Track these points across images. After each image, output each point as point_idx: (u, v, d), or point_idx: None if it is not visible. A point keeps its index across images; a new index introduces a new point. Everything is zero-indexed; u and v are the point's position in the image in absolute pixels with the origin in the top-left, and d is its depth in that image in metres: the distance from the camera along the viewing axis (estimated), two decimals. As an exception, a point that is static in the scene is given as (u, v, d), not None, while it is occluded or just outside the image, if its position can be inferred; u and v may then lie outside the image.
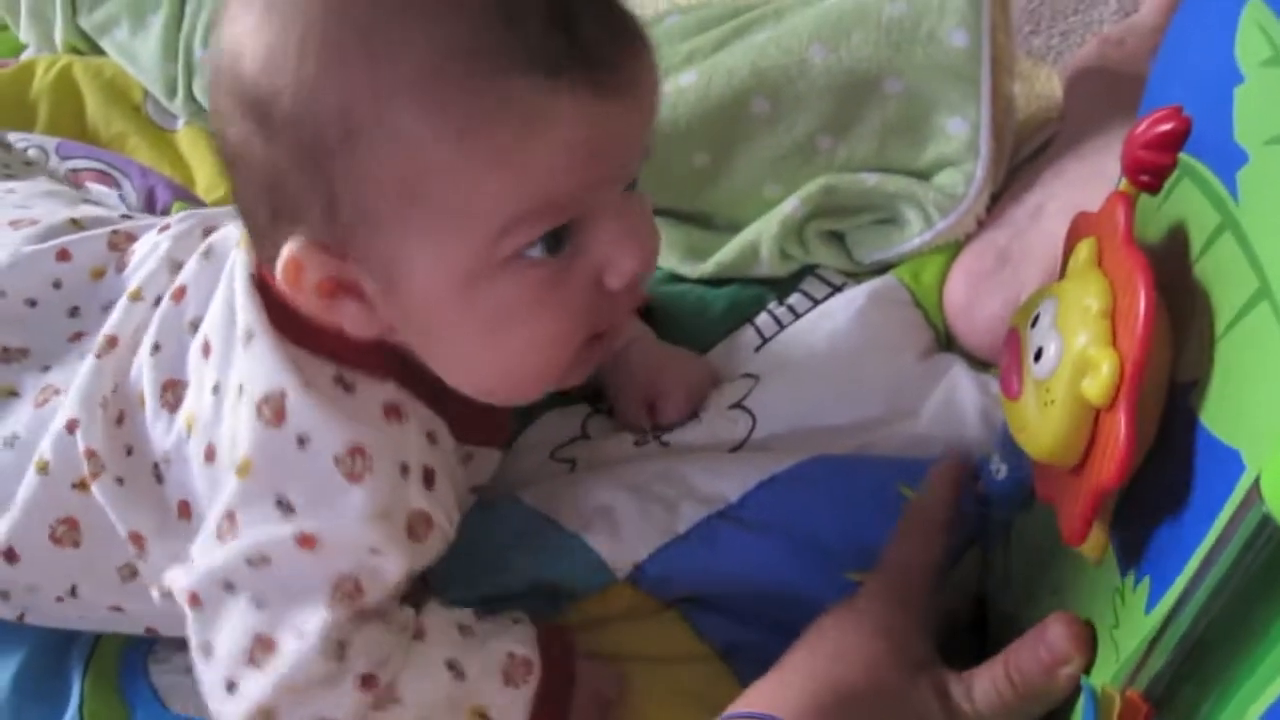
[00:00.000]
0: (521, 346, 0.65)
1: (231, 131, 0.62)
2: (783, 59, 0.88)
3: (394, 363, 0.67)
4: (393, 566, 0.65)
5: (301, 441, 0.64)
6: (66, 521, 0.70)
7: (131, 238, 0.82)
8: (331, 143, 0.58)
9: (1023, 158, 0.96)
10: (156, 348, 0.71)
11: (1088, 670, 0.53)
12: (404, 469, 0.66)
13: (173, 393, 0.70)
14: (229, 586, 0.65)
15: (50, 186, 0.93)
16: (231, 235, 0.74)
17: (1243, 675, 0.41)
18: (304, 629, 0.64)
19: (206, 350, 0.69)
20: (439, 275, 0.61)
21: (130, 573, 0.71)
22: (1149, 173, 0.49)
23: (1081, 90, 0.97)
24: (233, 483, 0.65)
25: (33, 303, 0.78)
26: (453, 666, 0.67)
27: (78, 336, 0.77)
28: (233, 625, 0.65)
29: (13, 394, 0.74)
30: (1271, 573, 0.38)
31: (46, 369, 0.75)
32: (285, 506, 0.64)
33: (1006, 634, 0.58)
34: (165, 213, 1.01)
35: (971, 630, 0.70)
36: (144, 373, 0.71)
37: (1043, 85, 1.06)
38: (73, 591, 0.71)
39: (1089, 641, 0.54)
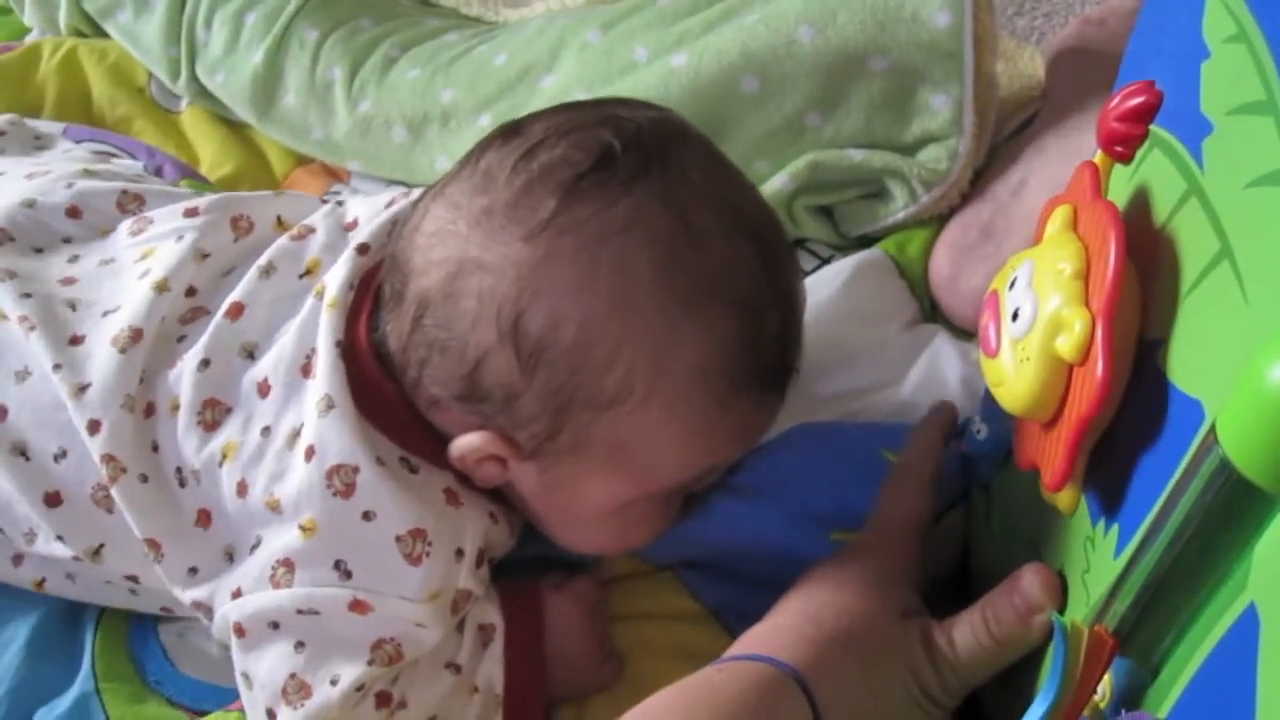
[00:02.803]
0: (634, 538, 0.74)
1: (468, 331, 0.66)
2: (771, 40, 0.90)
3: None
4: (431, 638, 0.69)
5: (367, 516, 0.67)
6: (104, 487, 0.71)
7: (140, 199, 0.83)
8: (593, 404, 0.65)
9: (1006, 135, 0.97)
10: (205, 363, 0.72)
11: (1060, 614, 0.56)
12: (459, 553, 0.69)
13: (212, 412, 0.71)
14: (275, 626, 0.68)
15: (81, 165, 0.94)
16: (296, 258, 0.76)
17: (1198, 612, 0.43)
18: (339, 677, 0.67)
19: (264, 390, 0.71)
20: (602, 499, 0.70)
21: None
22: (1122, 143, 0.51)
23: (1063, 69, 0.98)
24: (294, 535, 0.67)
25: (39, 250, 0.80)
26: (451, 665, 0.70)
27: (69, 281, 0.77)
28: (272, 662, 0.68)
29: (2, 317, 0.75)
30: (1226, 514, 0.40)
31: (26, 296, 0.75)
32: (344, 571, 0.67)
33: (987, 584, 0.60)
34: (173, 190, 1.02)
35: (955, 581, 0.72)
36: (185, 384, 0.72)
37: (1026, 65, 1.07)
38: (97, 551, 0.72)
39: (1059, 590, 0.56)
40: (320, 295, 0.72)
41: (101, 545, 0.73)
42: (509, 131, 0.70)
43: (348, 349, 0.70)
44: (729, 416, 0.68)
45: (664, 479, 0.70)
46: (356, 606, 0.67)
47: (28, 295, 0.75)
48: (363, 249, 0.75)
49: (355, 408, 0.68)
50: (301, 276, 0.75)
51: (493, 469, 0.69)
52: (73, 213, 0.82)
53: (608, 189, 0.65)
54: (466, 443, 0.68)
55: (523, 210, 0.65)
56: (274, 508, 0.68)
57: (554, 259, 0.64)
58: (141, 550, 0.71)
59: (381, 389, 0.70)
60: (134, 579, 0.74)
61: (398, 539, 0.67)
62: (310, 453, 0.67)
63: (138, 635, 0.79)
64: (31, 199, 0.82)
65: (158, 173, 1.04)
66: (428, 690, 0.69)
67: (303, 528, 0.67)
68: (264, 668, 0.68)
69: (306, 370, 0.70)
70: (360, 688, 0.67)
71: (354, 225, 0.78)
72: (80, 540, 0.73)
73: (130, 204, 0.83)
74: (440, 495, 0.69)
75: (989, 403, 0.64)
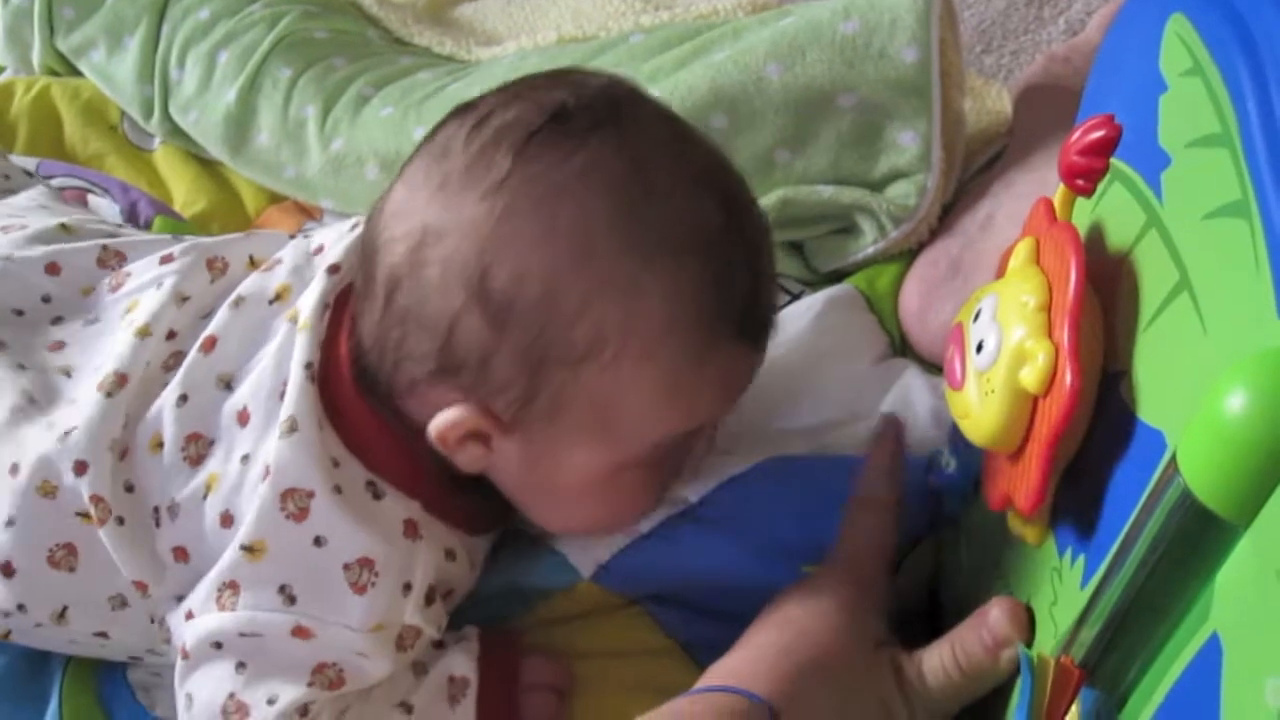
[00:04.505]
0: (623, 512, 0.73)
1: (437, 298, 0.65)
2: (740, 77, 0.90)
3: (429, 480, 0.71)
4: (376, 669, 0.68)
5: (318, 542, 0.66)
6: (66, 546, 0.70)
7: (121, 255, 0.83)
8: (566, 360, 0.64)
9: (974, 170, 0.98)
10: (183, 399, 0.71)
11: (1028, 646, 0.56)
12: (406, 587, 0.68)
13: (196, 446, 0.71)
14: (217, 646, 0.67)
15: (46, 201, 0.94)
16: (264, 287, 0.76)
17: (1163, 641, 0.43)
18: (277, 697, 0.66)
19: (243, 418, 0.70)
20: (584, 469, 0.69)
21: (120, 602, 0.72)
22: (1083, 177, 0.52)
23: (1029, 105, 0.99)
24: (240, 558, 0.67)
25: (20, 312, 0.79)
26: (403, 705, 0.70)
27: (58, 346, 0.77)
28: (213, 683, 0.67)
29: None
30: (1188, 544, 0.40)
31: (21, 367, 0.75)
32: (288, 596, 0.67)
33: (957, 616, 0.60)
34: (147, 228, 1.02)
35: (925, 612, 0.72)
36: (166, 421, 0.71)
37: (993, 101, 1.08)
38: (61, 614, 0.72)
39: (1027, 623, 0.56)
40: (294, 320, 0.72)
41: (65, 608, 0.72)
42: (464, 107, 0.70)
43: (326, 369, 0.70)
44: (706, 366, 0.67)
45: (647, 438, 0.69)
46: (299, 632, 0.66)
47: (22, 366, 0.75)
48: (333, 269, 0.74)
49: (319, 431, 0.68)
50: (271, 303, 0.75)
51: (476, 451, 0.69)
52: (51, 269, 0.81)
53: (562, 142, 0.64)
54: (446, 418, 0.67)
55: (478, 172, 0.65)
56: None
57: (513, 214, 0.63)
58: (107, 607, 0.71)
59: (358, 409, 0.70)
60: (103, 635, 0.73)
61: (345, 567, 0.66)
62: (267, 472, 0.67)
63: (106, 678, 0.78)
64: (8, 254, 0.81)
65: (132, 208, 1.04)
66: None
67: (251, 549, 0.67)
68: (206, 689, 0.67)
69: (283, 395, 0.69)
70: (303, 711, 0.66)
71: (320, 250, 0.78)
72: (43, 606, 0.72)
73: (111, 260, 0.82)
74: (399, 526, 0.69)
75: (956, 435, 0.64)
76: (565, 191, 0.63)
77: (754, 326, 0.70)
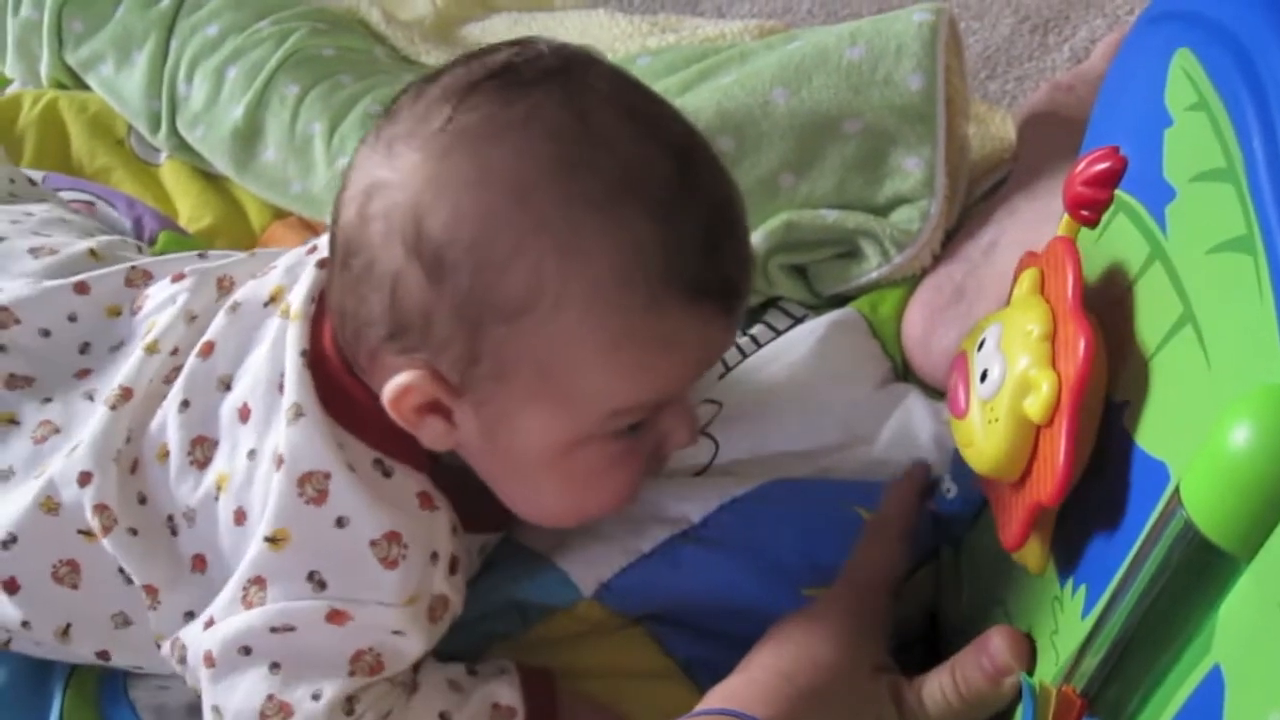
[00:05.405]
0: (593, 496, 0.71)
1: (382, 255, 0.64)
2: (747, 100, 0.90)
3: (429, 459, 0.70)
4: (412, 647, 0.68)
5: (340, 523, 0.66)
6: (69, 563, 0.70)
7: (148, 275, 0.82)
8: (503, 312, 0.63)
9: (977, 196, 0.97)
10: (185, 404, 0.72)
11: (1029, 675, 0.56)
12: (434, 556, 0.68)
13: (201, 450, 0.71)
14: (246, 651, 0.67)
15: (61, 213, 0.94)
16: (259, 292, 0.75)
17: (1165, 672, 0.43)
18: (322, 691, 0.66)
19: (244, 414, 0.70)
20: (541, 438, 0.67)
21: (123, 620, 0.72)
22: (1088, 208, 0.52)
23: (1033, 133, 1.00)
24: (264, 550, 0.66)
25: (46, 333, 0.79)
26: (444, 717, 0.69)
27: (84, 373, 0.77)
28: (247, 688, 0.67)
29: (13, 422, 0.74)
30: (1191, 576, 0.41)
31: (47, 400, 0.75)
32: (318, 582, 0.66)
33: (956, 643, 0.60)
34: (152, 243, 1.02)
35: (924, 638, 0.72)
36: (170, 429, 0.71)
37: (997, 128, 1.08)
38: (65, 631, 0.72)
39: (1028, 652, 0.56)
40: (286, 314, 0.72)
41: (69, 625, 0.72)
42: (420, 78, 0.69)
43: (316, 357, 0.70)
44: (656, 326, 0.64)
45: (601, 404, 0.66)
46: (334, 617, 0.66)
47: (49, 400, 0.75)
48: (323, 263, 0.74)
49: (325, 414, 0.68)
50: (265, 305, 0.75)
51: (438, 426, 0.67)
52: (80, 288, 0.81)
53: (504, 92, 0.63)
54: (395, 384, 0.66)
55: (421, 125, 0.64)
56: None
57: (450, 158, 0.63)
58: (110, 625, 0.71)
59: (351, 391, 0.69)
60: (105, 654, 0.73)
61: (372, 543, 0.66)
62: (280, 461, 0.67)
63: (108, 694, 0.78)
64: (38, 278, 0.81)
65: (137, 223, 1.04)
66: None
67: (274, 539, 0.66)
68: (238, 696, 0.67)
69: (282, 387, 0.69)
70: (348, 709, 0.66)
71: (314, 250, 0.78)
72: (48, 623, 0.72)
73: (139, 279, 0.82)
74: (414, 499, 0.69)
75: (958, 462, 0.64)
76: (502, 137, 0.63)
77: (712, 287, 0.66)
